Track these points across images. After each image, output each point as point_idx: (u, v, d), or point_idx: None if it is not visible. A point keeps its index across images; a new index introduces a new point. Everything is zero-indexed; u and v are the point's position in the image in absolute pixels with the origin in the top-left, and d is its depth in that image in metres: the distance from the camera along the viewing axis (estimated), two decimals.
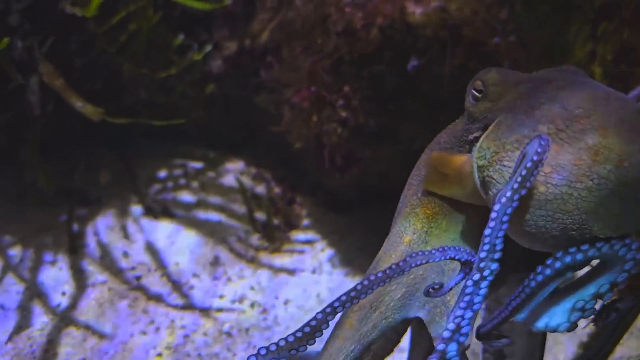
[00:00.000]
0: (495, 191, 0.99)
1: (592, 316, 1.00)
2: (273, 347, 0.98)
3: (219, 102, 2.93)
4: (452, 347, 0.95)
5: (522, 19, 2.54)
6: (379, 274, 0.96)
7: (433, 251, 0.98)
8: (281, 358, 0.98)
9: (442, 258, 0.98)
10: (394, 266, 0.96)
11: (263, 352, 0.98)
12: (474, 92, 1.10)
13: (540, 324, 0.99)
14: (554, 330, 0.99)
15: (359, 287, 0.97)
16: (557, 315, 0.99)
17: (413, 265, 0.97)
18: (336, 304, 0.97)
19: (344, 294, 0.98)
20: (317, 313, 0.98)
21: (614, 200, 0.92)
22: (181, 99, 2.93)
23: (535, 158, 0.91)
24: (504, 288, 1.18)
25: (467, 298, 0.95)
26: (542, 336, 1.31)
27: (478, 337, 0.99)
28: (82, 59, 2.62)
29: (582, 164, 0.92)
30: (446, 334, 0.95)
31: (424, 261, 0.97)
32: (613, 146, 0.91)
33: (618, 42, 2.22)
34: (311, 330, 0.98)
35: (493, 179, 0.99)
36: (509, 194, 0.93)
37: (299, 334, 0.98)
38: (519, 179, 0.92)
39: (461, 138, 1.13)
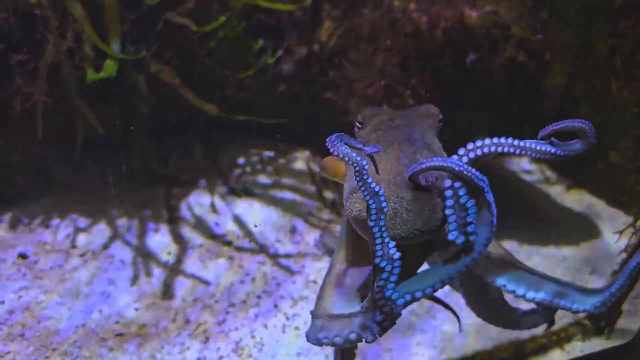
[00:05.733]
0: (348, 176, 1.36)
1: None
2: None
3: (288, 99, 3.24)
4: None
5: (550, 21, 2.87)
6: None
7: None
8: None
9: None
10: None
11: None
12: (357, 123, 1.50)
13: None
14: None
15: None
16: None
17: None
18: None
19: None
20: None
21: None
22: (256, 97, 3.30)
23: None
24: None
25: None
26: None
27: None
28: (177, 62, 2.97)
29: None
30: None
31: None
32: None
33: (635, 36, 2.50)
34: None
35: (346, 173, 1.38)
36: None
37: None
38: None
39: None
